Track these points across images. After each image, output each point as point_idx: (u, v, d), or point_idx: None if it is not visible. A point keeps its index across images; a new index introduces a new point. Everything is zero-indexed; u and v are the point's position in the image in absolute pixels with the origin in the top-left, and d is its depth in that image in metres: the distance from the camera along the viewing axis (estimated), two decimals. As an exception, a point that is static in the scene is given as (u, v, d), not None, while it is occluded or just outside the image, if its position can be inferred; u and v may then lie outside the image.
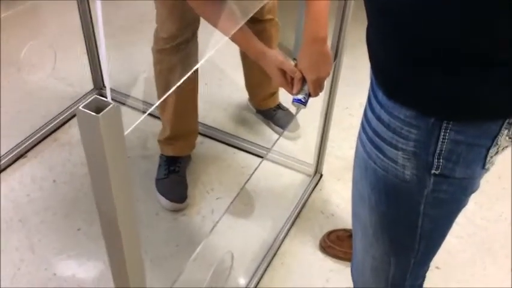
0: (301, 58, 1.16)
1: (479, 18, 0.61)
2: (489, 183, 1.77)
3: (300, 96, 1.17)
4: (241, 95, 2.09)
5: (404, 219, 0.81)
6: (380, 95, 0.74)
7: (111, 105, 0.56)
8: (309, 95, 1.20)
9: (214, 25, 1.16)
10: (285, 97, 2.06)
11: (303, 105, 1.19)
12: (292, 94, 1.20)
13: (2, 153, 1.84)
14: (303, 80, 1.17)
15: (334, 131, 1.78)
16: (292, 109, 2.03)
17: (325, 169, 1.87)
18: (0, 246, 1.58)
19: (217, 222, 1.57)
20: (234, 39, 1.18)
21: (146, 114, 0.81)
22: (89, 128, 0.57)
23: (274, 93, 2.01)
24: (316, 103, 1.66)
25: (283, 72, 1.16)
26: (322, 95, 1.63)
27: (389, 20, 0.69)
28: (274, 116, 2.02)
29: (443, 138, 0.70)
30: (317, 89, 1.17)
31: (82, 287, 1.50)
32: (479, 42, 0.63)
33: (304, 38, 1.16)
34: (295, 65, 1.18)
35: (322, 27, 1.13)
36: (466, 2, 0.60)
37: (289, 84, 1.17)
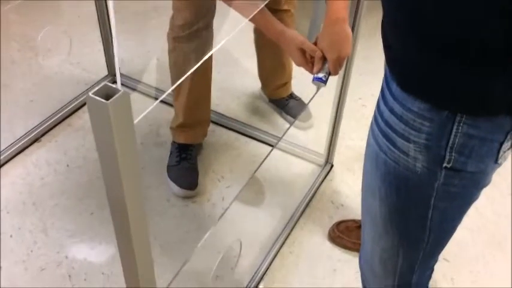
0: (322, 37, 1.16)
1: (495, 12, 0.60)
2: (501, 177, 1.76)
3: (320, 75, 1.18)
4: (254, 84, 2.09)
5: (414, 211, 0.81)
6: (394, 86, 0.74)
7: (120, 92, 0.56)
8: (329, 74, 1.20)
9: (234, 7, 1.16)
10: (297, 87, 2.06)
11: (323, 84, 1.19)
12: (311, 73, 1.20)
13: (17, 137, 1.86)
14: (323, 59, 1.18)
15: (346, 122, 1.78)
16: (305, 97, 2.03)
17: (336, 159, 1.87)
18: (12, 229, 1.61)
19: (226, 209, 1.58)
20: (253, 19, 1.19)
21: (157, 102, 0.82)
22: (98, 115, 0.57)
23: (287, 83, 2.00)
24: (329, 93, 1.66)
25: (303, 52, 1.16)
26: (335, 85, 1.63)
27: (407, 12, 0.68)
28: (286, 106, 2.02)
29: (456, 132, 0.70)
30: (337, 67, 1.18)
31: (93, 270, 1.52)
32: (495, 35, 0.62)
33: (325, 18, 1.16)
34: (315, 45, 1.19)
35: (342, 8, 1.15)
36: None
37: (308, 64, 1.18)
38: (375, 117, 0.81)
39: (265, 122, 2.03)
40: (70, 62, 2.20)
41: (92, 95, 0.56)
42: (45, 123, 1.92)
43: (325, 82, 1.19)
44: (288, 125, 2.00)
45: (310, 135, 1.99)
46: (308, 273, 1.56)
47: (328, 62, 1.16)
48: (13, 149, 1.82)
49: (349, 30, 1.17)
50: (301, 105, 2.00)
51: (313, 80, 1.20)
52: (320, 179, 1.82)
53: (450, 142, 0.71)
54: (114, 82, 2.16)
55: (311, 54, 1.15)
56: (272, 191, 1.79)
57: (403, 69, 0.73)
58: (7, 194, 1.71)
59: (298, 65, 1.19)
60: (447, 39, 0.65)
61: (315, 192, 1.78)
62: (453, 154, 0.72)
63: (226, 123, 2.00)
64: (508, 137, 0.71)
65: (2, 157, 1.79)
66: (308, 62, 1.17)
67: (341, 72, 1.59)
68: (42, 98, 2.06)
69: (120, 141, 0.59)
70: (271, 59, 1.93)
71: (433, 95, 0.70)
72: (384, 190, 0.82)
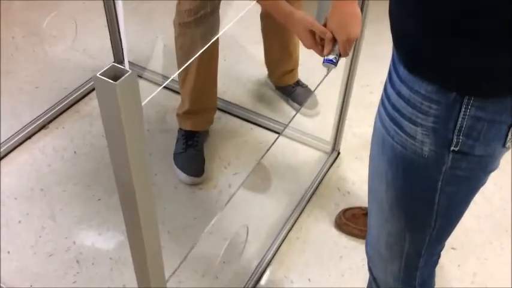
0: (331, 18, 1.15)
1: None
2: (510, 164, 1.75)
3: (331, 57, 1.16)
4: (261, 71, 2.08)
5: (421, 195, 0.81)
6: (401, 69, 0.73)
7: (128, 73, 0.56)
8: (340, 55, 1.19)
9: None
10: (304, 74, 2.05)
11: (333, 65, 1.18)
12: (321, 55, 1.19)
13: (24, 124, 1.87)
14: (333, 41, 1.16)
15: (353, 109, 1.77)
16: (312, 84, 2.02)
17: (343, 147, 1.87)
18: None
19: (233, 195, 1.59)
20: (261, 1, 1.17)
21: (162, 86, 0.81)
22: (106, 96, 0.57)
23: (293, 70, 1.99)
24: (336, 80, 1.65)
25: (312, 34, 1.15)
26: (342, 71, 1.62)
27: None
28: (292, 93, 2.01)
29: (463, 114, 0.69)
30: (348, 49, 1.16)
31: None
32: (501, 13, 0.61)
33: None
34: (324, 26, 1.17)
35: None
36: None
37: (318, 46, 1.16)
38: (382, 101, 0.80)
39: (271, 109, 2.02)
40: (76, 49, 2.20)
41: (100, 76, 0.56)
42: (52, 110, 1.93)
43: (335, 64, 1.18)
44: (294, 112, 2.00)
45: (316, 122, 1.98)
46: (315, 259, 1.56)
47: (338, 44, 1.15)
48: (20, 136, 1.83)
49: (359, 10, 1.15)
50: (308, 92, 2.00)
51: (323, 62, 1.18)
52: (327, 166, 1.82)
53: (458, 125, 0.70)
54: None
55: (321, 36, 1.14)
56: (278, 178, 1.79)
57: (410, 51, 0.72)
58: (15, 180, 1.72)
59: (308, 47, 1.17)
60: (454, 18, 0.64)
61: (322, 179, 1.78)
62: (461, 137, 0.71)
63: (232, 110, 1.99)
64: (517, 119, 0.70)
65: (8, 144, 1.80)
66: (318, 44, 1.15)
67: (348, 58, 1.58)
68: (48, 85, 2.06)
69: (128, 122, 0.59)
70: (277, 46, 1.92)
71: (440, 75, 0.69)
72: (390, 174, 0.82)
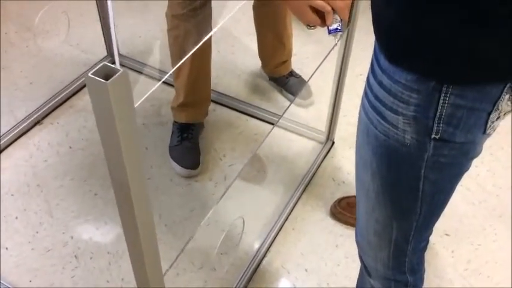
0: None
1: None
2: (503, 150, 1.75)
3: (335, 26, 1.21)
4: (254, 62, 2.09)
5: (406, 183, 0.82)
6: (382, 59, 0.74)
7: (119, 72, 0.56)
8: (341, 21, 1.23)
9: None
10: (297, 64, 2.05)
11: (340, 32, 1.22)
12: (322, 27, 1.23)
13: (19, 120, 1.88)
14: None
15: (347, 98, 1.77)
16: (306, 74, 2.02)
17: (337, 136, 1.87)
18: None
19: (228, 187, 1.60)
20: None
21: (159, 83, 0.81)
22: (98, 95, 0.57)
23: (287, 61, 2.00)
24: (330, 70, 1.65)
25: (312, 9, 1.17)
26: (335, 61, 1.63)
27: None
28: (286, 84, 2.02)
29: (443, 102, 0.70)
30: (347, 13, 1.20)
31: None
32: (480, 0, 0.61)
33: None
34: None
35: None
36: None
37: (318, 19, 1.19)
38: (365, 91, 0.81)
39: (265, 100, 2.03)
40: (69, 43, 2.20)
41: (91, 75, 0.56)
42: (46, 106, 1.94)
43: (342, 30, 1.22)
44: (288, 103, 2.00)
45: (311, 112, 1.99)
46: (311, 248, 1.58)
47: (337, 11, 1.18)
48: (15, 131, 1.84)
49: None
50: (302, 83, 2.00)
51: (329, 32, 1.22)
52: (321, 156, 1.82)
53: (438, 113, 0.71)
54: (114, 63, 2.15)
55: (321, 9, 1.16)
56: (274, 169, 1.80)
57: (390, 41, 0.73)
58: (11, 176, 1.73)
59: (311, 22, 1.19)
60: (433, 7, 0.65)
61: (317, 169, 1.79)
62: (441, 125, 0.72)
63: (227, 102, 2.00)
64: (496, 106, 0.71)
65: (4, 140, 1.81)
66: (318, 17, 1.18)
67: (341, 47, 1.59)
68: (42, 80, 2.07)
69: (121, 121, 0.59)
70: (270, 37, 1.92)
71: (419, 65, 0.69)
72: (375, 163, 0.83)
